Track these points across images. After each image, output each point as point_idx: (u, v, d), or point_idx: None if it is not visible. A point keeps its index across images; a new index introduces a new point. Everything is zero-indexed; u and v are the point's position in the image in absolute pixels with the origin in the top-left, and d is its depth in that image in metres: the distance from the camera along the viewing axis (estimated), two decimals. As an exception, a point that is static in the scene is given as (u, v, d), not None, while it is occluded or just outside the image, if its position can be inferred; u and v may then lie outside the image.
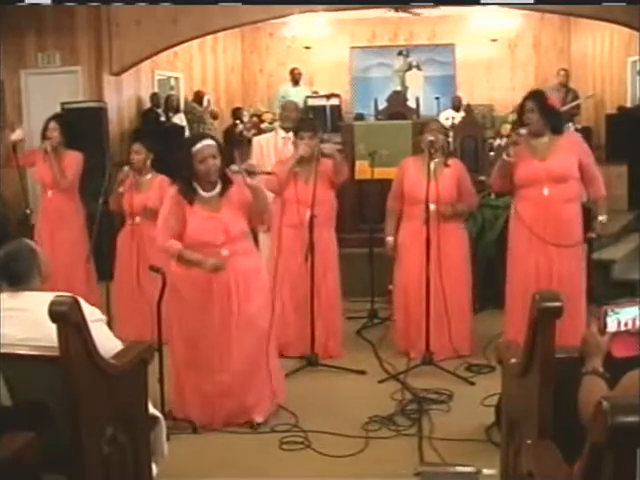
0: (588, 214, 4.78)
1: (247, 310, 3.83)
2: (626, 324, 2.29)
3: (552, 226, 4.49)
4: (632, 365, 2.01)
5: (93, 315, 2.75)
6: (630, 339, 2.30)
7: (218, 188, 3.83)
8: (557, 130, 4.60)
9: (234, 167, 3.81)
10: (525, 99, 4.63)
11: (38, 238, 5.65)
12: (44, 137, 5.79)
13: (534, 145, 4.57)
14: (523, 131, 4.51)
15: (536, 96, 4.62)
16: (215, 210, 3.80)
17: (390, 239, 5.04)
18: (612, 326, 2.28)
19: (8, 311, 2.67)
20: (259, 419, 3.91)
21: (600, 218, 4.63)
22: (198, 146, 3.74)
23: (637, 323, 2.30)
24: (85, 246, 5.74)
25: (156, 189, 5.21)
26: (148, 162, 5.34)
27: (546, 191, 4.50)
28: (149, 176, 5.33)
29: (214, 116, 10.29)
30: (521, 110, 4.64)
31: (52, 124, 5.78)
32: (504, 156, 4.57)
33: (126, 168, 5.24)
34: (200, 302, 3.80)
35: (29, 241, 2.96)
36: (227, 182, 3.82)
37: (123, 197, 5.29)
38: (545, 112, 4.52)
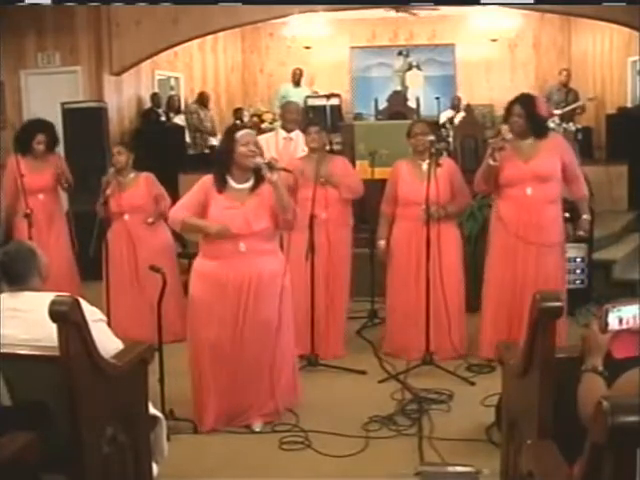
0: (576, 212, 4.84)
1: (259, 313, 3.79)
2: (627, 322, 2.28)
3: (533, 226, 4.57)
4: (632, 365, 2.01)
5: (94, 315, 2.75)
6: (631, 338, 2.29)
7: (250, 182, 3.82)
8: (540, 136, 4.64)
9: (258, 159, 3.74)
10: (514, 102, 4.65)
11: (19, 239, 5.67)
12: (29, 143, 5.77)
13: (518, 146, 4.63)
14: (508, 136, 4.54)
15: (525, 102, 4.64)
16: (241, 202, 3.79)
17: (382, 242, 5.04)
18: (613, 324, 2.27)
19: (10, 311, 2.67)
20: (257, 427, 3.89)
21: (585, 216, 4.74)
22: (242, 132, 3.86)
23: (638, 321, 2.29)
24: (69, 246, 5.89)
25: (142, 186, 5.39)
26: (130, 162, 5.43)
27: (529, 191, 4.57)
28: (132, 175, 5.43)
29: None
30: (508, 111, 4.66)
31: (41, 137, 5.78)
32: (490, 161, 4.58)
33: (111, 170, 5.31)
34: (214, 301, 3.79)
35: (29, 242, 2.97)
36: (260, 178, 3.81)
37: (109, 199, 5.32)
38: (532, 119, 4.58)
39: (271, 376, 3.87)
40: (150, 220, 5.36)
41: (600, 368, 2.22)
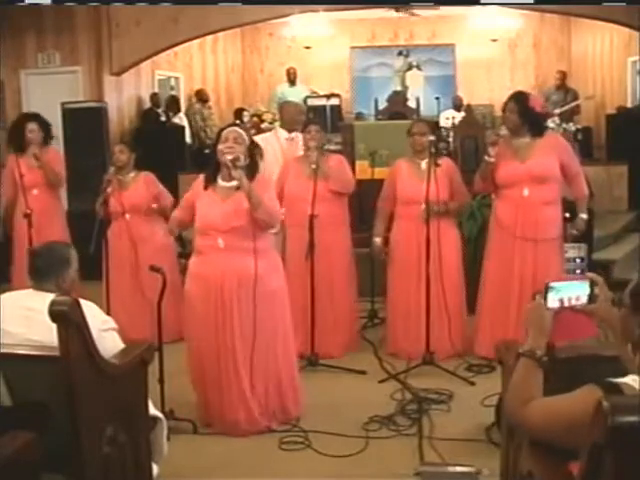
0: (574, 210, 4.84)
1: (248, 316, 3.73)
2: (569, 301, 2.09)
3: (530, 226, 4.57)
4: (574, 368, 1.93)
5: (106, 324, 2.76)
6: (573, 320, 2.10)
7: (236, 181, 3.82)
8: (537, 132, 4.63)
9: (225, 157, 3.76)
10: (508, 99, 4.68)
11: (18, 238, 5.69)
12: (22, 137, 5.77)
13: (515, 146, 4.63)
14: (503, 131, 4.56)
15: (517, 97, 4.67)
16: (223, 199, 3.81)
17: (377, 240, 5.03)
18: (552, 303, 2.08)
19: (25, 310, 2.68)
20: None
21: (581, 215, 4.74)
22: (226, 130, 3.89)
23: (582, 301, 2.09)
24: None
25: (142, 185, 5.41)
26: (131, 161, 5.45)
27: (526, 192, 4.57)
28: (132, 174, 5.45)
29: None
30: (503, 110, 4.69)
31: (33, 125, 5.79)
32: (485, 157, 4.60)
33: (111, 169, 5.30)
34: (199, 297, 3.80)
35: (70, 249, 2.93)
36: (248, 176, 3.77)
37: (110, 198, 5.32)
38: (524, 114, 4.57)
39: (269, 387, 3.82)
40: (154, 206, 5.39)
41: (539, 352, 2.05)
